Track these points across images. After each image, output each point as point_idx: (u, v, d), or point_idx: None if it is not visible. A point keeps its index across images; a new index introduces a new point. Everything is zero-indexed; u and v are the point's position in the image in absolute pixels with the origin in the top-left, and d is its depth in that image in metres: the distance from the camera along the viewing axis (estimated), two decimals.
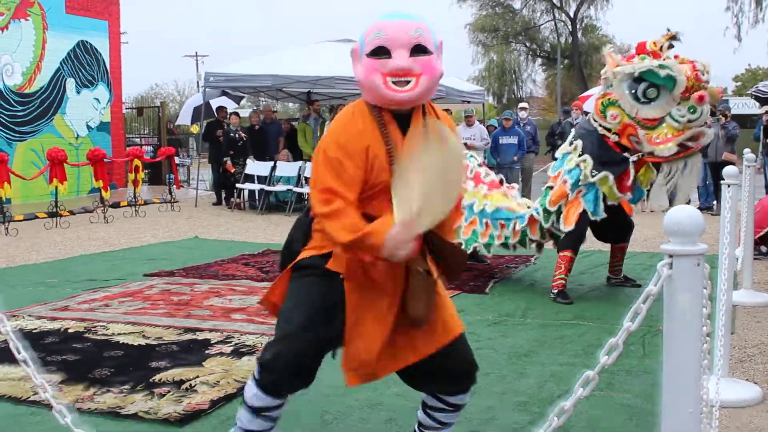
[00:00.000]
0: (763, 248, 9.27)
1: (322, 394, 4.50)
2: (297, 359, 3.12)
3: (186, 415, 4.17)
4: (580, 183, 6.76)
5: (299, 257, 3.27)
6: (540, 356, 5.32)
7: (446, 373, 3.29)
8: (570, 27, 45.00)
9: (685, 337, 2.04)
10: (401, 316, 3.12)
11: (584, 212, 6.76)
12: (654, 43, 6.20)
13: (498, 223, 7.35)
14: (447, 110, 16.94)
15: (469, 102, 17.86)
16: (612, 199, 6.73)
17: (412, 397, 4.44)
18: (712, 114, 14.31)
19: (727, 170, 5.31)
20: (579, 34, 45.13)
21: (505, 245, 7.46)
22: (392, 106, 3.05)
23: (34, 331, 6.04)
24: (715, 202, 13.91)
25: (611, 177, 6.60)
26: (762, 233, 9.13)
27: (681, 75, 5.94)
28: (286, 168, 15.59)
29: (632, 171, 6.59)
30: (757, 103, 19.91)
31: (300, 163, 15.45)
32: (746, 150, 8.33)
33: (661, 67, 5.97)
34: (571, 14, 44.81)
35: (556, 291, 6.95)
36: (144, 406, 4.33)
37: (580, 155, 6.77)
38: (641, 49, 6.23)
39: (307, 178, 15.05)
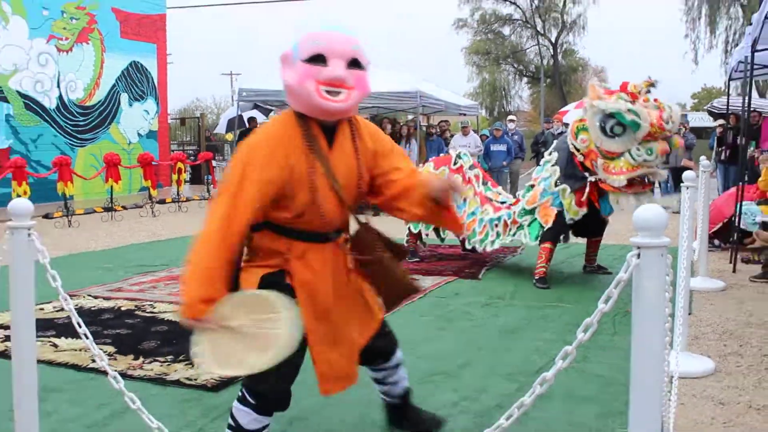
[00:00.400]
0: (716, 241, 9.23)
1: None
2: (289, 382, 3.01)
3: (220, 382, 4.17)
4: (547, 190, 6.82)
5: (251, 275, 2.89)
6: (525, 333, 5.31)
7: (381, 350, 3.24)
8: (552, 51, 44.87)
9: (651, 318, 2.04)
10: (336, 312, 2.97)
11: (561, 212, 6.75)
12: (635, 86, 6.08)
13: (493, 224, 7.38)
14: (445, 121, 16.96)
15: (465, 114, 17.86)
16: (569, 211, 6.68)
17: (416, 368, 4.44)
18: None
19: (686, 175, 5.33)
20: (559, 57, 45.01)
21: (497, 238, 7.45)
22: (320, 116, 2.75)
23: (92, 308, 6.06)
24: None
25: (568, 190, 6.64)
26: (715, 228, 9.11)
27: (645, 122, 5.85)
28: None
29: (587, 190, 6.55)
30: (711, 117, 19.88)
31: None
32: (702, 157, 8.28)
33: (630, 111, 5.89)
34: (553, 40, 44.70)
35: (537, 278, 6.92)
36: (185, 374, 4.34)
37: (553, 165, 6.84)
38: (623, 88, 6.13)
39: None
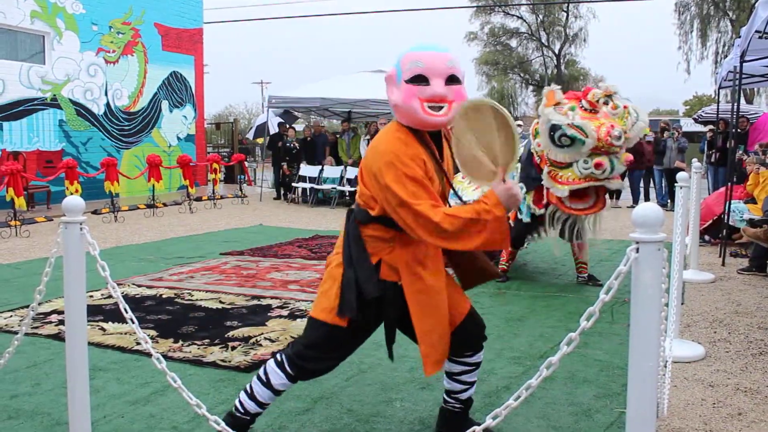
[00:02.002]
0: (706, 237, 9.16)
1: (359, 349, 4.50)
2: (330, 368, 3.02)
3: (253, 363, 4.19)
4: None
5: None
6: (531, 321, 5.29)
7: (467, 335, 3.10)
8: (555, 61, 44.62)
9: (648, 307, 2.02)
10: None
11: (518, 219, 6.30)
12: (593, 95, 5.46)
13: None
14: None
15: None
16: (525, 208, 6.19)
17: None
18: (667, 130, 14.26)
19: (680, 175, 5.25)
20: (562, 67, 44.75)
21: None
22: (426, 128, 2.77)
23: (136, 296, 6.10)
24: (669, 201, 13.80)
25: (524, 189, 6.05)
26: (706, 225, 9.04)
27: (589, 138, 5.27)
28: (331, 171, 15.60)
29: (544, 192, 5.95)
30: (700, 124, 19.73)
31: (341, 167, 15.48)
32: (694, 159, 8.21)
33: (573, 126, 5.32)
34: (556, 51, 44.45)
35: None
36: (220, 356, 4.36)
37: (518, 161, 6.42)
38: (584, 94, 5.55)
39: (349, 180, 15.07)
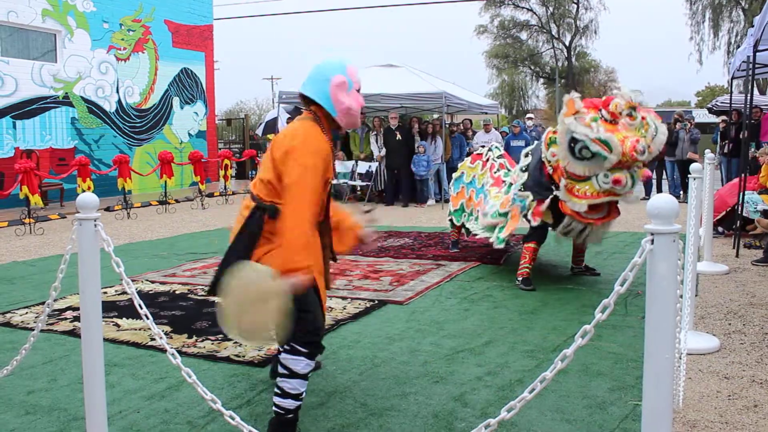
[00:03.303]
0: (720, 228, 9.10)
1: (372, 343, 4.52)
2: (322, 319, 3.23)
3: (266, 358, 4.20)
4: (515, 197, 6.20)
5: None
6: (543, 314, 5.28)
7: None
8: (566, 54, 44.41)
9: (663, 298, 2.00)
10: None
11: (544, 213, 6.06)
12: (616, 105, 5.21)
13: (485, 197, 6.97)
14: (468, 119, 16.88)
15: (486, 113, 17.72)
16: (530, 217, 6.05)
17: (443, 345, 4.44)
18: (680, 121, 14.17)
19: (693, 167, 5.20)
20: (573, 59, 44.54)
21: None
22: (351, 128, 3.34)
23: (150, 292, 6.12)
24: (681, 192, 13.73)
25: (530, 197, 5.98)
26: (719, 216, 8.98)
27: (613, 153, 5.09)
28: (342, 165, 15.60)
29: (548, 202, 5.84)
30: (713, 114, 19.59)
31: (352, 162, 15.47)
32: (707, 150, 8.17)
33: (598, 140, 5.12)
34: (567, 43, 44.24)
35: (520, 278, 6.16)
36: (234, 351, 4.38)
37: (523, 171, 6.18)
38: (605, 104, 5.29)
39: (360, 174, 15.07)
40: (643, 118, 5.26)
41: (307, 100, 3.26)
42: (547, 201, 5.85)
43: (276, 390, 3.07)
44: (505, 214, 6.39)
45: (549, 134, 5.77)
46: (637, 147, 5.07)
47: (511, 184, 6.49)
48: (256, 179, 3.26)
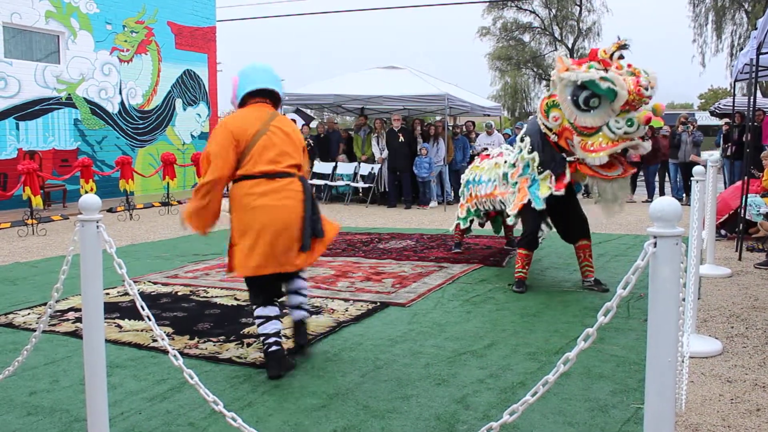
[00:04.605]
0: (723, 231, 9.09)
1: (374, 345, 4.51)
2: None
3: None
4: (526, 170, 5.93)
5: None
6: (546, 316, 5.27)
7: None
8: (569, 56, 44.45)
9: (666, 301, 2.00)
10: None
11: (530, 210, 5.90)
12: (604, 51, 5.16)
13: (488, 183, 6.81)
14: (471, 121, 16.87)
15: (488, 115, 17.73)
16: (544, 193, 5.78)
17: (445, 348, 4.44)
18: (684, 124, 14.14)
19: (696, 169, 5.18)
20: None
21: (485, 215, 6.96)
22: None
23: (152, 293, 6.13)
24: (684, 195, 13.72)
25: (553, 177, 5.75)
26: (722, 219, 8.97)
27: (622, 89, 4.97)
28: (345, 167, 15.59)
29: (568, 171, 5.67)
30: (715, 117, 19.56)
31: (355, 163, 15.46)
32: (710, 152, 8.16)
33: (603, 79, 4.99)
34: (570, 46, 44.25)
35: (515, 281, 6.16)
36: (236, 352, 4.38)
37: (530, 152, 5.86)
38: (593, 56, 5.22)
39: (362, 176, 15.08)
40: (629, 65, 5.16)
41: (275, 96, 4.20)
42: (568, 171, 5.65)
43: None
44: (514, 184, 6.15)
45: (544, 101, 5.56)
46: (640, 81, 4.98)
47: (513, 164, 6.24)
48: (286, 162, 4.02)
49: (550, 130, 5.55)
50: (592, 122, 5.19)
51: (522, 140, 6.02)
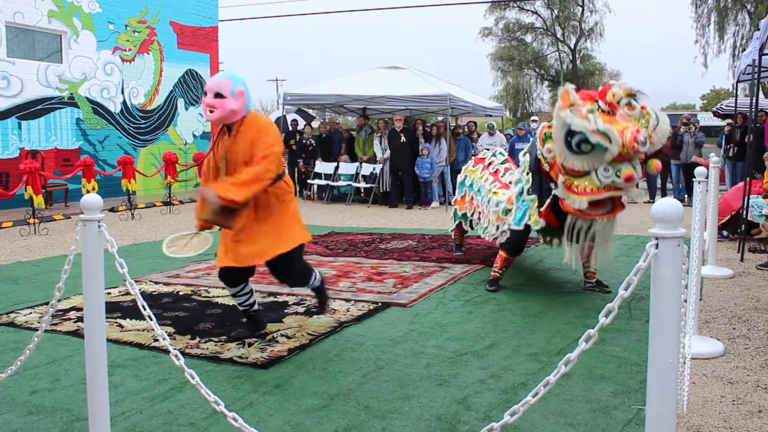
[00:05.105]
0: (725, 232, 9.08)
1: (375, 345, 4.51)
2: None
3: (270, 360, 4.20)
4: (519, 197, 5.97)
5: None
6: (547, 317, 5.27)
7: (280, 275, 4.60)
8: (570, 56, 44.37)
9: (668, 303, 2.00)
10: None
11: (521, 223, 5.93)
12: (613, 94, 4.91)
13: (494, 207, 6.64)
14: (472, 122, 16.87)
15: (490, 116, 17.72)
16: (533, 223, 5.81)
17: (446, 348, 4.44)
18: (687, 125, 14.14)
19: (698, 170, 5.18)
20: (578, 62, 44.49)
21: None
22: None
23: (153, 293, 6.13)
24: (686, 196, 13.70)
25: (537, 203, 5.73)
26: (724, 220, 8.97)
27: (614, 145, 4.77)
28: (346, 167, 15.60)
29: (548, 202, 5.59)
30: (718, 118, 19.56)
31: (356, 163, 15.46)
32: (712, 153, 8.15)
33: (597, 132, 4.81)
34: (572, 46, 44.20)
35: (489, 279, 6.27)
36: (237, 352, 4.38)
37: (528, 172, 5.86)
38: (602, 95, 5.00)
39: (364, 176, 15.08)
40: (642, 107, 4.95)
41: None
42: (548, 202, 5.60)
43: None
44: (509, 210, 6.18)
45: (544, 129, 5.47)
46: (638, 137, 4.74)
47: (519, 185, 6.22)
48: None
49: (545, 158, 5.46)
50: (581, 166, 5.06)
51: (524, 155, 5.99)
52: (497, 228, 6.41)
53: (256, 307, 4.75)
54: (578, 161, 5.05)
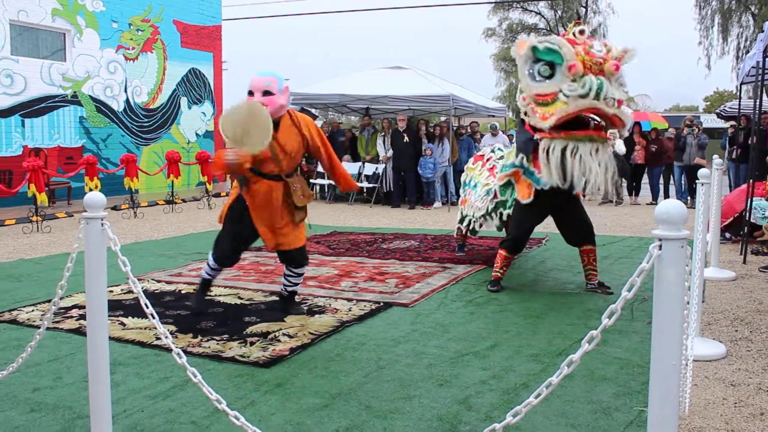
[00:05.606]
0: (727, 234, 9.07)
1: (377, 345, 4.51)
2: (229, 247, 5.06)
3: (271, 359, 4.20)
4: (507, 165, 6.07)
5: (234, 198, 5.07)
6: (549, 318, 5.26)
7: (289, 260, 5.12)
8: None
9: (671, 304, 1.99)
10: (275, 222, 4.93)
11: (524, 213, 5.98)
12: (566, 31, 5.36)
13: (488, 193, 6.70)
14: (475, 122, 16.85)
15: (493, 116, 17.70)
16: (521, 198, 5.89)
17: (448, 348, 4.44)
18: (690, 126, 14.12)
19: (701, 172, 5.17)
20: None
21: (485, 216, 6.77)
22: None
23: (155, 291, 6.13)
24: (689, 198, 13.69)
25: (526, 158, 5.78)
26: (726, 222, 8.95)
27: (563, 47, 5.05)
28: (349, 167, 15.59)
29: (543, 147, 5.45)
30: (721, 120, 19.54)
31: (359, 163, 15.45)
32: (715, 156, 8.13)
33: (545, 41, 5.17)
34: None
35: (491, 279, 6.27)
36: (239, 351, 4.38)
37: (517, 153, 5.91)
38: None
39: (366, 176, 15.08)
40: (605, 44, 5.29)
41: None
42: (542, 146, 5.46)
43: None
44: (508, 184, 6.18)
45: (519, 88, 5.67)
46: (590, 43, 5.09)
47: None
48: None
49: (526, 114, 5.54)
50: (545, 89, 5.27)
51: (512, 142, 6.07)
52: (486, 211, 6.55)
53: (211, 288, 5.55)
54: (543, 87, 5.29)
